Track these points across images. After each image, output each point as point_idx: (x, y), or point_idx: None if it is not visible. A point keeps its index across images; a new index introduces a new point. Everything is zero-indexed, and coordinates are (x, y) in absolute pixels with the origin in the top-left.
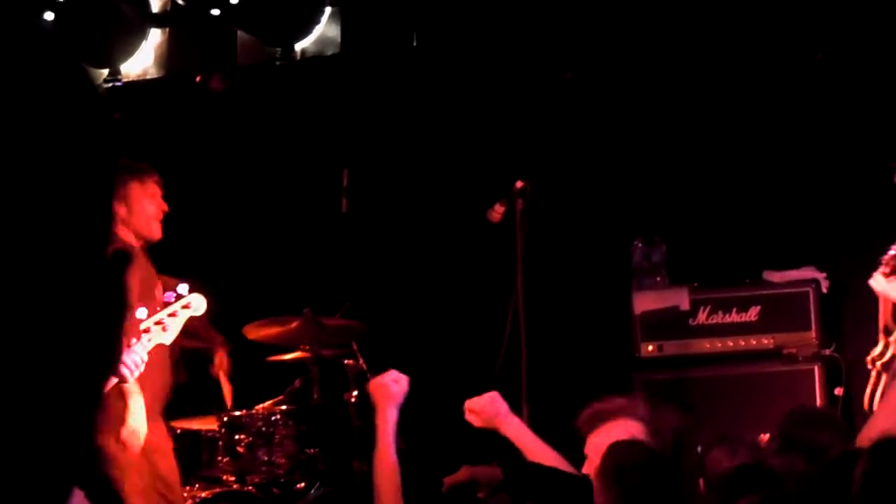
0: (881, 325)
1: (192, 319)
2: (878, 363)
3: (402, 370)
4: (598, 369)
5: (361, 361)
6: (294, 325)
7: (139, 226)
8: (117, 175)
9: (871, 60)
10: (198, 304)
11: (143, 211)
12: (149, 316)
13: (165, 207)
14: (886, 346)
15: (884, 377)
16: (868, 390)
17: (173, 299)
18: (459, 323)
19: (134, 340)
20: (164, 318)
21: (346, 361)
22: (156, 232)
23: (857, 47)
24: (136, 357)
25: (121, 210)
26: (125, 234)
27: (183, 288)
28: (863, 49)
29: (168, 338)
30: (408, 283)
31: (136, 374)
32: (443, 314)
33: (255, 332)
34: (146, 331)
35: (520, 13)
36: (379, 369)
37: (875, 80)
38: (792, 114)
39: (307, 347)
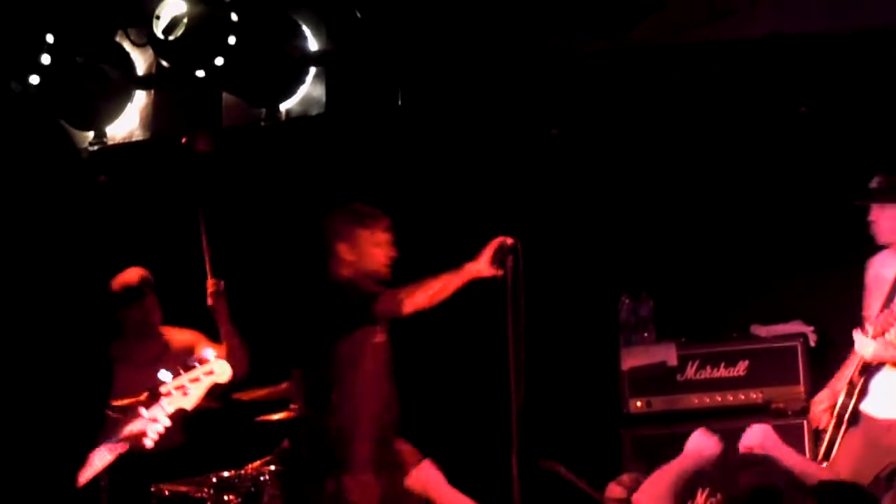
0: (849, 378)
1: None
2: (837, 414)
3: None
4: (587, 426)
5: None
6: (284, 386)
7: (368, 270)
8: (98, 246)
9: (853, 114)
10: (221, 371)
11: (370, 256)
12: (173, 379)
13: (393, 253)
14: (849, 397)
15: (842, 428)
16: (826, 441)
17: (197, 364)
18: (451, 384)
19: (156, 405)
20: (186, 383)
21: None
22: (384, 275)
23: (839, 101)
24: (157, 426)
25: (349, 255)
26: (355, 276)
27: (209, 353)
28: (845, 103)
29: (189, 402)
30: (397, 344)
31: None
32: (434, 376)
33: (245, 394)
34: (168, 394)
35: (505, 71)
36: None
37: (859, 133)
38: (777, 168)
39: (296, 407)
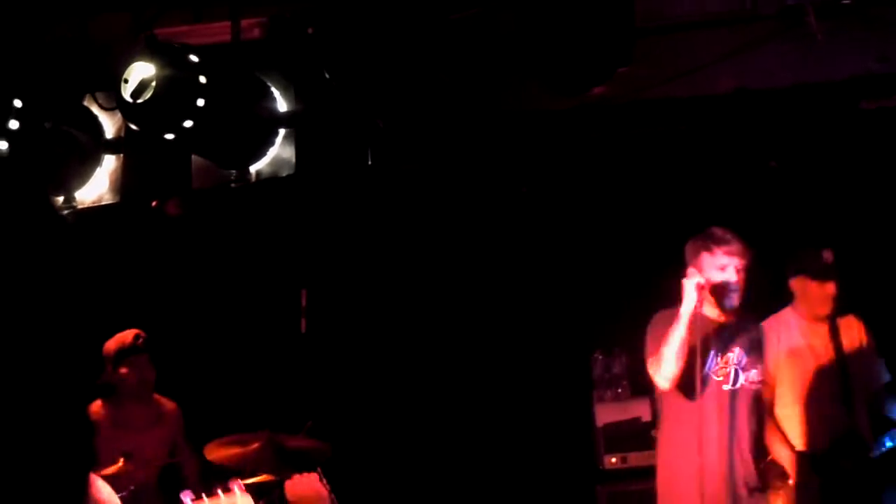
0: None
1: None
2: None
3: (367, 490)
4: (562, 483)
5: (325, 483)
6: (255, 446)
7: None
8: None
9: (822, 167)
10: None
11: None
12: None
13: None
14: None
15: None
16: None
17: (221, 494)
18: (422, 440)
19: None
20: None
21: None
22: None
23: (808, 155)
24: None
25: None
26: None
27: (237, 484)
28: (814, 156)
29: None
30: (370, 402)
31: None
32: (405, 432)
33: (216, 452)
34: None
35: (473, 130)
36: (343, 493)
37: (828, 184)
38: (749, 222)
39: (269, 469)
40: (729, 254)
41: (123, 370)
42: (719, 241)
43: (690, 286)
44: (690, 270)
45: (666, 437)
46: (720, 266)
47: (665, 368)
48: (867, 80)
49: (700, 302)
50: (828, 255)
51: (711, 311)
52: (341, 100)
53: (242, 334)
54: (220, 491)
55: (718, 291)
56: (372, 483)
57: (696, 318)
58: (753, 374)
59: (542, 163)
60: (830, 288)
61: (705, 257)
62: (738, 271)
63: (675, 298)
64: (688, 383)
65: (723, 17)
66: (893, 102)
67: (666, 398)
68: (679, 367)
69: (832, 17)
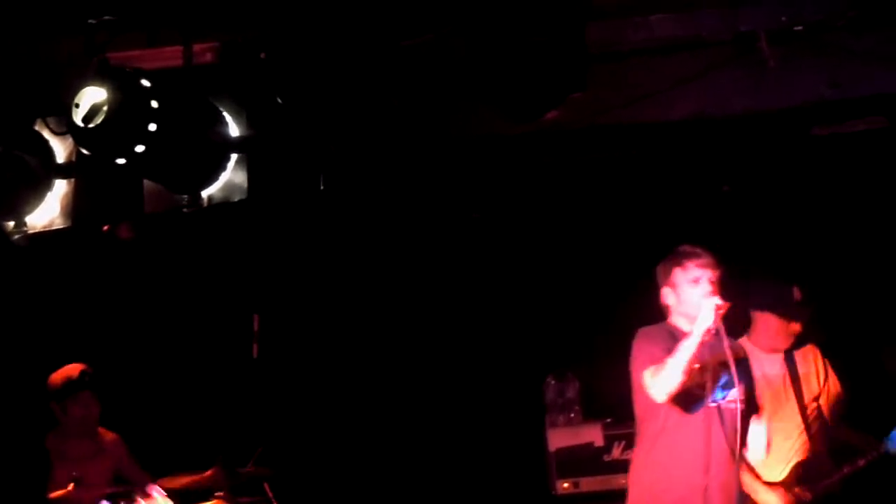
0: None
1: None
2: None
3: None
4: None
5: None
6: (208, 473)
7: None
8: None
9: (775, 192)
10: None
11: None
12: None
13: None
14: None
15: None
16: None
17: (140, 500)
18: (374, 465)
19: None
20: None
21: None
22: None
23: (761, 180)
24: None
25: (669, 298)
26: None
27: (156, 490)
28: (767, 181)
29: None
30: (321, 427)
31: None
32: (357, 456)
33: (170, 482)
34: None
35: (425, 155)
36: None
37: (781, 209)
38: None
39: (221, 495)
40: (701, 266)
41: (68, 405)
42: (690, 256)
43: (710, 305)
44: (695, 291)
45: (651, 456)
46: (693, 279)
47: (668, 381)
48: (819, 107)
49: (716, 322)
50: (798, 293)
51: (686, 327)
52: (293, 125)
53: (194, 359)
54: (138, 497)
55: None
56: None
57: (711, 338)
58: (734, 392)
59: (494, 188)
60: (796, 326)
61: (677, 273)
62: (711, 283)
63: (639, 320)
64: (688, 398)
65: (677, 43)
66: (846, 129)
67: (653, 415)
68: (681, 381)
69: (784, 44)
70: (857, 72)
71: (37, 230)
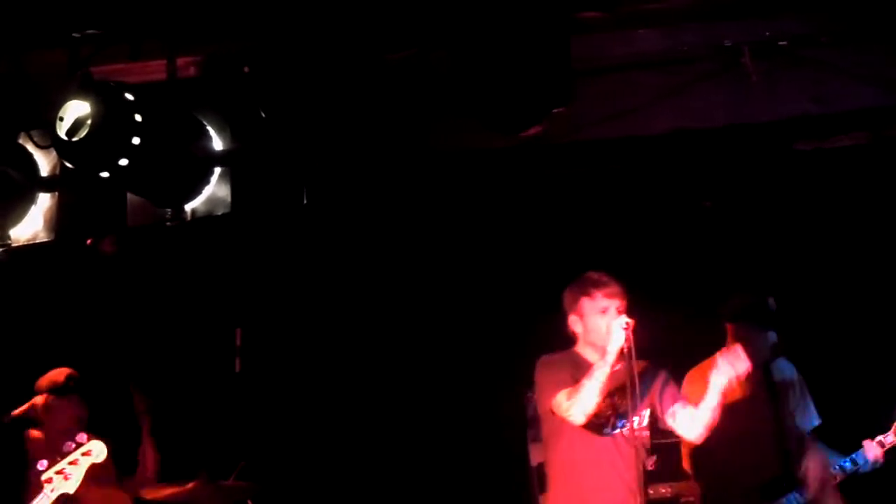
0: None
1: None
2: None
3: None
4: None
5: None
6: (190, 486)
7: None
8: None
9: (756, 207)
10: (98, 451)
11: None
12: (48, 467)
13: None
14: None
15: None
16: None
17: (73, 447)
18: (356, 479)
19: (40, 494)
20: (66, 468)
21: None
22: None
23: (742, 195)
24: None
25: (577, 326)
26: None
27: (82, 437)
28: (748, 196)
29: (71, 486)
30: (302, 441)
31: None
32: (338, 470)
33: (152, 492)
34: (49, 481)
35: (408, 168)
36: None
37: (762, 224)
38: (683, 263)
39: None
40: (609, 296)
41: (52, 407)
42: (597, 285)
43: (618, 326)
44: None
45: (561, 481)
46: (601, 309)
47: (586, 403)
48: (802, 122)
49: (628, 341)
50: (772, 303)
51: (592, 356)
52: (277, 138)
53: (177, 372)
54: (72, 446)
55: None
56: None
57: (624, 357)
58: (636, 420)
59: (475, 203)
60: (771, 336)
61: (585, 302)
62: (619, 312)
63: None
64: (600, 420)
65: (659, 57)
66: (829, 144)
67: (558, 445)
68: (598, 403)
69: (767, 58)
70: (841, 87)
71: (20, 243)
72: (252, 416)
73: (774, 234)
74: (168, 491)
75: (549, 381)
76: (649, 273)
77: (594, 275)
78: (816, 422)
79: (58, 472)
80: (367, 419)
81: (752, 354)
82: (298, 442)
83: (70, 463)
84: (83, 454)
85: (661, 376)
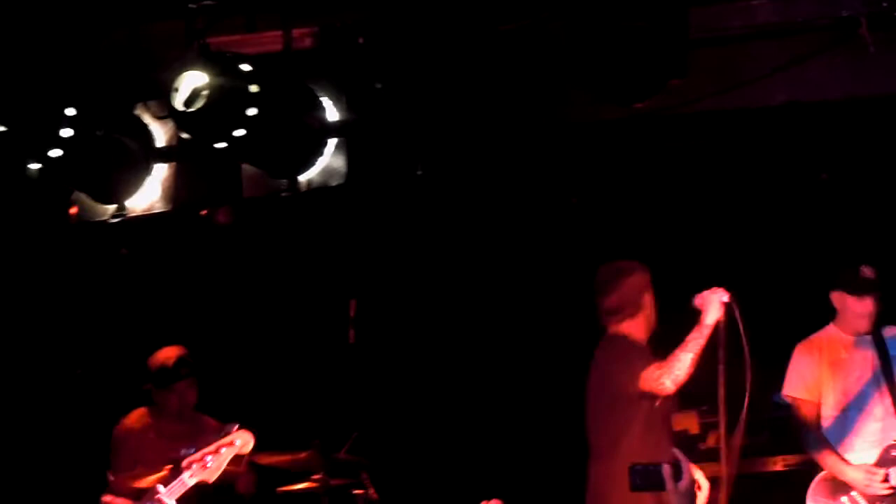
0: None
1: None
2: None
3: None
4: None
5: (372, 491)
6: (303, 455)
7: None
8: None
9: (873, 180)
10: (244, 441)
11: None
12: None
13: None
14: None
15: None
16: None
17: (218, 437)
18: (469, 450)
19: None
20: (207, 457)
21: (355, 492)
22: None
23: (860, 167)
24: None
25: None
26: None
27: (230, 426)
28: (865, 169)
29: (210, 475)
30: (416, 413)
31: None
32: (451, 444)
33: (266, 458)
34: (188, 467)
35: (523, 140)
36: (389, 498)
37: (880, 198)
38: (799, 235)
39: (317, 478)
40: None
41: (165, 392)
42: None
43: (715, 301)
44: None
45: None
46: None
47: (681, 371)
48: None
49: (723, 315)
50: (867, 271)
51: None
52: (392, 109)
53: (290, 344)
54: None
55: None
56: (415, 490)
57: (719, 331)
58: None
59: (593, 174)
60: (868, 304)
61: None
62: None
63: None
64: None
65: (775, 28)
66: None
67: (633, 419)
68: (689, 373)
69: (885, 29)
70: None
71: (137, 214)
72: (365, 388)
73: (890, 207)
74: (280, 457)
75: (630, 360)
76: (765, 246)
77: None
78: None
79: (198, 461)
80: (481, 391)
81: (848, 321)
82: (411, 413)
83: (211, 453)
84: (226, 445)
85: None
